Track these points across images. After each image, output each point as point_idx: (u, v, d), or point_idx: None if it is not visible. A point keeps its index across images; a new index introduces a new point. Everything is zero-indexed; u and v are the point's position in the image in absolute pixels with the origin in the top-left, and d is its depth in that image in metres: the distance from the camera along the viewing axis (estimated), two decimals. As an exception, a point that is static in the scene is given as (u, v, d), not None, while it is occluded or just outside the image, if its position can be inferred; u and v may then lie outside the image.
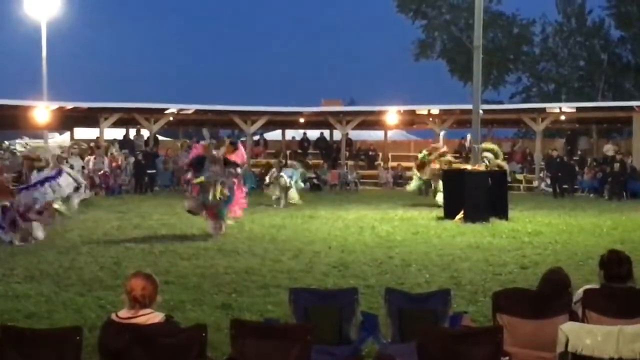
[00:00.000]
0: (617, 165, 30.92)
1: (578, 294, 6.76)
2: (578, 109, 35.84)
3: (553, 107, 36.52)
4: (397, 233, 17.86)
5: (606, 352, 5.48)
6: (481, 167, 22.30)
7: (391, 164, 38.17)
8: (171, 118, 36.10)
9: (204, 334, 5.59)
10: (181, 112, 35.93)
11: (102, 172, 30.07)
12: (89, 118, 34.23)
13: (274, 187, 25.44)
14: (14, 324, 7.87)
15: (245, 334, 5.84)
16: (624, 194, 30.21)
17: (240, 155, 17.87)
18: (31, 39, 45.65)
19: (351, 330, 7.12)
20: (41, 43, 39.48)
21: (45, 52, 39.51)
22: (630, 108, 33.99)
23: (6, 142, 36.08)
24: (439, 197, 23.60)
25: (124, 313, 5.71)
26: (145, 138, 35.73)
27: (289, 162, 32.58)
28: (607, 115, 36.52)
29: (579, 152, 36.54)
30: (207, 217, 17.24)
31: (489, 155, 23.98)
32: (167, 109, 35.08)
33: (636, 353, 5.44)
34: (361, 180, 35.91)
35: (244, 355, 5.76)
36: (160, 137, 39.53)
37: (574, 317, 6.33)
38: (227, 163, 17.20)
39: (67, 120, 35.29)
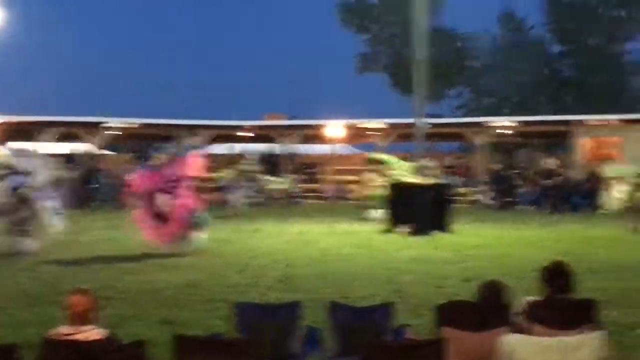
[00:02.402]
0: (558, 179, 31.35)
1: (520, 305, 6.81)
2: (519, 122, 36.31)
3: (494, 121, 36.95)
4: (341, 247, 17.86)
5: (548, 363, 5.52)
6: (425, 181, 22.42)
7: (335, 177, 38.20)
8: (114, 132, 35.76)
9: (145, 350, 5.51)
10: (124, 126, 35.60)
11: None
12: (24, 132, 33.59)
13: None
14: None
15: (188, 349, 5.77)
16: (565, 206, 30.61)
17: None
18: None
19: (294, 345, 7.09)
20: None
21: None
22: (571, 122, 34.57)
23: None
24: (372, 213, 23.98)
25: (63, 329, 5.63)
26: (88, 152, 35.32)
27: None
28: (548, 129, 37.07)
29: (520, 166, 36.97)
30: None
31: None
32: (110, 123, 34.75)
33: (577, 364, 5.49)
34: (305, 194, 35.90)
35: (187, 371, 5.70)
36: (102, 152, 39.11)
37: (515, 329, 6.37)
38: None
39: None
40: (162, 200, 16.88)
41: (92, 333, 5.59)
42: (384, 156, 25.86)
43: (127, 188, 17.82)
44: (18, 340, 7.23)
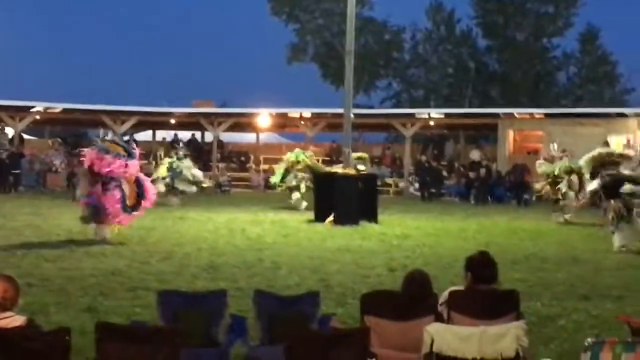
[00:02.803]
0: (483, 171, 31.79)
1: (444, 295, 6.88)
2: (446, 115, 36.76)
3: (422, 112, 37.32)
4: (267, 235, 17.86)
5: (470, 352, 5.57)
6: (351, 171, 22.54)
7: (263, 166, 38.15)
8: (37, 117, 35.16)
9: (67, 338, 5.43)
10: (48, 111, 35.03)
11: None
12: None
13: None
14: None
15: (111, 337, 5.70)
16: (489, 198, 31.07)
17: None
18: None
19: (220, 333, 7.06)
20: None
21: None
22: (496, 115, 35.12)
23: None
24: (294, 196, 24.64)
25: (-18, 316, 5.52)
26: (10, 137, 34.69)
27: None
28: (474, 122, 37.56)
29: (446, 157, 37.40)
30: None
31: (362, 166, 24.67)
32: (33, 107, 34.16)
33: (498, 353, 5.55)
34: (233, 183, 35.77)
35: (110, 359, 5.64)
36: (25, 136, 38.46)
37: (439, 319, 6.43)
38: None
39: None
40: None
41: (12, 320, 5.49)
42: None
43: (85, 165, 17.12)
44: None
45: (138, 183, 16.96)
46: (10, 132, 34.78)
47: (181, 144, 34.26)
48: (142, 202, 16.84)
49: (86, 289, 11.06)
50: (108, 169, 16.32)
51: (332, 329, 6.73)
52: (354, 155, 24.78)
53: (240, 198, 29.82)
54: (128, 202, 16.57)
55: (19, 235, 17.16)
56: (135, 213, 16.76)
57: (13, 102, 33.88)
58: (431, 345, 5.63)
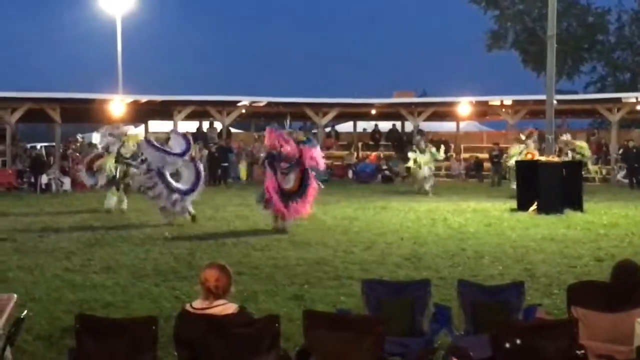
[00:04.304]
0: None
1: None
2: (655, 98, 35.15)
3: (629, 96, 35.83)
4: (469, 225, 17.75)
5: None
6: (555, 158, 22.05)
7: (463, 155, 37.89)
8: (243, 110, 36.30)
9: (277, 325, 5.61)
10: (253, 105, 36.11)
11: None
12: (163, 111, 34.65)
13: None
14: (92, 313, 8.03)
15: (318, 325, 5.85)
16: None
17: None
18: (107, 33, 46.40)
19: (424, 322, 7.11)
20: (116, 37, 40.12)
21: (120, 46, 40.12)
22: None
23: (79, 135, 36.69)
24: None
25: (198, 303, 5.77)
26: (218, 131, 36.07)
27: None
28: (685, 105, 35.76)
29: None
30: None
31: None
32: (239, 101, 35.29)
33: None
34: (434, 172, 35.66)
35: (317, 346, 5.78)
36: (232, 130, 39.80)
37: (651, 310, 6.22)
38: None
39: (141, 113, 35.72)
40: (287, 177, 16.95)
41: (226, 307, 5.71)
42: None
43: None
44: (155, 314, 7.52)
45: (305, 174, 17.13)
46: (218, 126, 36.15)
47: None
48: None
49: (293, 277, 11.39)
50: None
51: (538, 319, 6.64)
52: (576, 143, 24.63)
53: (441, 187, 29.69)
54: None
55: (229, 225, 17.86)
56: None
57: (221, 98, 35.08)
58: (643, 337, 5.47)
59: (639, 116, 38.92)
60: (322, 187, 17.79)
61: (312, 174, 17.22)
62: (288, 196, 16.76)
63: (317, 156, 17.25)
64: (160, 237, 15.76)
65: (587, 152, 26.40)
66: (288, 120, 17.86)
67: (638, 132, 37.51)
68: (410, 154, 28.01)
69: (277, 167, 16.86)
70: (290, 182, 16.86)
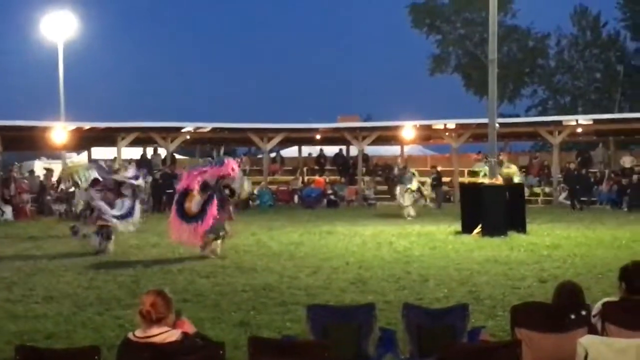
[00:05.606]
0: (636, 177, 30.78)
1: (597, 306, 6.70)
2: (595, 121, 35.70)
3: (570, 119, 36.40)
4: (414, 248, 17.83)
5: (626, 365, 5.44)
6: (498, 181, 22.28)
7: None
8: (188, 137, 36.16)
9: (222, 352, 5.57)
10: (198, 131, 35.98)
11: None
12: (106, 138, 34.34)
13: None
14: (33, 344, 7.89)
15: (263, 352, 5.83)
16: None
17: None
18: (48, 60, 45.90)
19: (370, 347, 7.10)
20: (58, 64, 39.69)
21: (62, 73, 39.69)
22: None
23: (17, 163, 36.18)
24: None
25: (140, 332, 5.69)
26: (163, 157, 35.84)
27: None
28: (624, 127, 36.36)
29: (597, 164, 36.39)
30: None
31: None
32: (183, 127, 35.16)
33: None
34: (378, 196, 35.84)
35: (263, 373, 5.75)
36: (177, 156, 39.58)
37: (593, 331, 6.29)
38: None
39: (84, 141, 35.36)
40: (195, 201, 16.91)
41: (168, 334, 5.64)
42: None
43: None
44: (98, 343, 7.42)
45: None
46: (163, 152, 35.93)
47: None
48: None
49: (239, 304, 11.33)
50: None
51: (483, 341, 6.68)
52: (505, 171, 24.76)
53: (386, 211, 29.81)
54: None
55: (174, 252, 17.71)
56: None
57: (165, 124, 34.90)
58: (585, 358, 5.51)
59: (580, 138, 39.54)
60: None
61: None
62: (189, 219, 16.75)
63: (235, 165, 17.34)
64: (103, 264, 15.58)
65: (516, 179, 26.54)
66: (222, 150, 18.06)
67: (578, 154, 38.08)
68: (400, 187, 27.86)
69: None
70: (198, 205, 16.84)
